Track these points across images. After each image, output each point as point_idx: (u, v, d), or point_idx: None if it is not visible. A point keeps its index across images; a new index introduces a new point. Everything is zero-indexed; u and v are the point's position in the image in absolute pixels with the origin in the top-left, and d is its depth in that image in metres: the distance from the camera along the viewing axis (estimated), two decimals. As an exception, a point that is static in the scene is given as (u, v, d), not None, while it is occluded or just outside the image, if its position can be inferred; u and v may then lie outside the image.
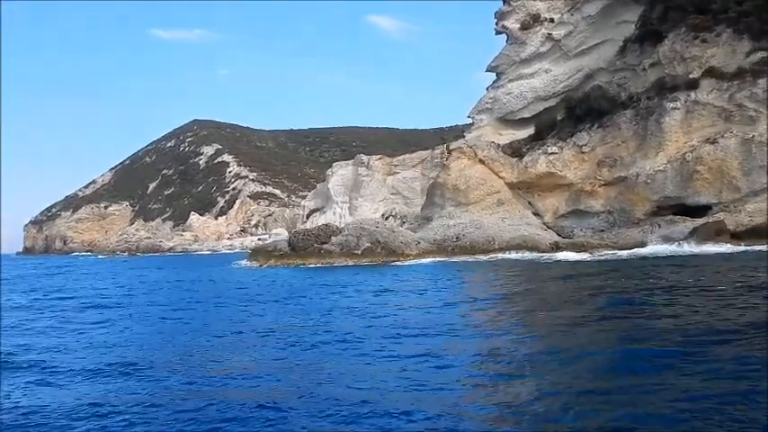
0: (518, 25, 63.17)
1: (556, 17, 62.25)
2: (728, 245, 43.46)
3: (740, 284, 21.77)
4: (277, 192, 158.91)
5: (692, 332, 13.41)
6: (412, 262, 48.21)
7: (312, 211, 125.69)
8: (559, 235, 56.07)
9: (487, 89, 66.82)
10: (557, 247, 49.50)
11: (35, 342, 17.08)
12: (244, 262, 55.69)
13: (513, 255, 48.42)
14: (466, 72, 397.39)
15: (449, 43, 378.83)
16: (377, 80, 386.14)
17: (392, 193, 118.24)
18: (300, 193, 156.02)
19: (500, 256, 48.47)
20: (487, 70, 65.96)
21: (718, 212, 49.22)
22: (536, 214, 59.51)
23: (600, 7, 60.36)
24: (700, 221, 48.96)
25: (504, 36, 66.37)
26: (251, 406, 9.77)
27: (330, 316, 19.87)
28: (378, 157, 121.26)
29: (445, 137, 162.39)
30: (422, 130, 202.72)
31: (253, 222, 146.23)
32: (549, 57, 62.87)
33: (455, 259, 48.51)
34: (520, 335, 15.11)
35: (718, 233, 44.45)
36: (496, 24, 65.15)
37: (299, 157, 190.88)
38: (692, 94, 51.68)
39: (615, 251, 45.70)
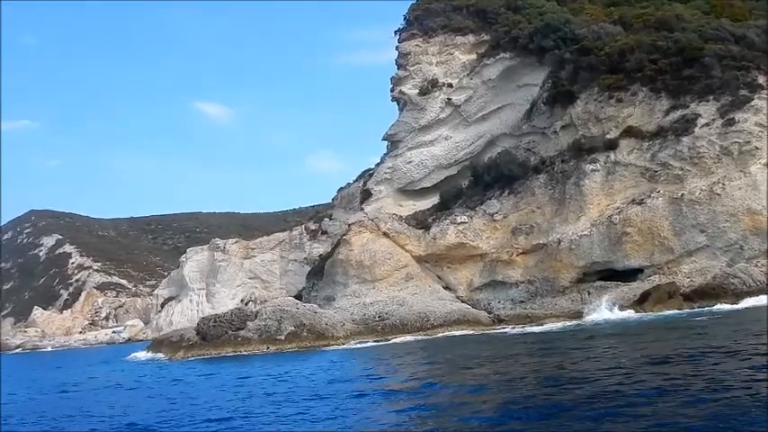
0: (416, 91, 59.95)
1: (454, 82, 59.59)
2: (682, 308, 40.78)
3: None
4: (124, 282, 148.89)
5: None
6: (346, 346, 42.46)
7: (167, 300, 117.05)
8: (476, 309, 51.96)
9: (383, 158, 62.92)
10: (498, 321, 45.36)
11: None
12: (143, 354, 47.76)
13: (458, 332, 43.58)
14: (299, 155, 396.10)
15: (278, 128, 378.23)
16: (212, 166, 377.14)
17: (250, 278, 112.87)
18: (148, 283, 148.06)
19: (442, 333, 43.55)
20: (384, 139, 62.20)
21: (652, 275, 46.89)
22: (446, 288, 55.37)
23: (500, 71, 58.25)
24: (634, 285, 46.50)
25: (395, 106, 63.11)
26: None
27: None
28: (234, 240, 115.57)
29: (289, 219, 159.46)
30: (264, 213, 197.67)
31: (102, 315, 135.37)
32: (448, 123, 59.87)
33: (397, 340, 43.14)
34: None
35: (670, 296, 41.64)
36: (392, 90, 61.67)
37: (142, 245, 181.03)
38: (612, 155, 49.88)
39: (565, 321, 41.97)
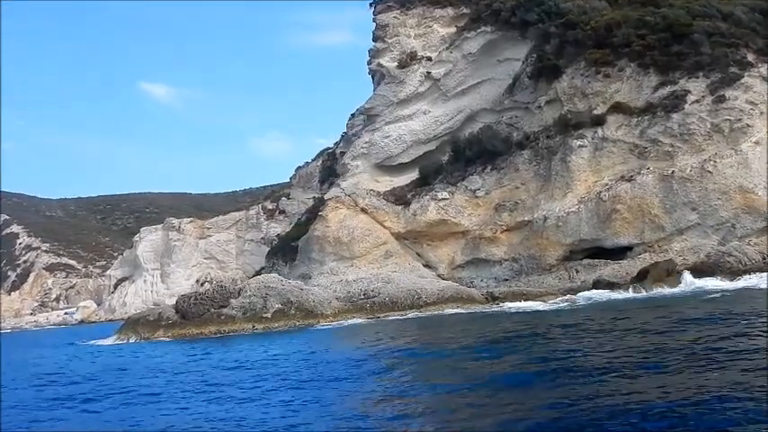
0: (394, 64, 58.29)
1: (433, 55, 58.09)
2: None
3: None
4: (73, 263, 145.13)
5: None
6: (336, 324, 40.80)
7: (120, 281, 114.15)
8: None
9: (357, 133, 61.12)
10: (492, 299, 44.16)
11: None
12: (113, 339, 45.11)
13: (455, 309, 42.17)
14: (246, 136, 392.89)
15: (223, 109, 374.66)
16: (159, 146, 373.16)
17: (206, 258, 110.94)
18: (98, 263, 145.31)
19: (437, 311, 42.09)
20: (361, 113, 60.43)
21: (642, 254, 46.25)
22: (426, 266, 54.15)
23: (481, 44, 56.94)
24: (624, 263, 45.78)
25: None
26: None
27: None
28: (189, 220, 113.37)
29: (240, 200, 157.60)
30: (215, 194, 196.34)
31: (53, 296, 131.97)
32: (427, 97, 58.37)
33: (391, 317, 41.66)
34: None
35: (668, 273, 40.90)
36: (370, 63, 59.98)
37: (91, 226, 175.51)
38: (600, 131, 49.07)
39: (563, 296, 41.06)
